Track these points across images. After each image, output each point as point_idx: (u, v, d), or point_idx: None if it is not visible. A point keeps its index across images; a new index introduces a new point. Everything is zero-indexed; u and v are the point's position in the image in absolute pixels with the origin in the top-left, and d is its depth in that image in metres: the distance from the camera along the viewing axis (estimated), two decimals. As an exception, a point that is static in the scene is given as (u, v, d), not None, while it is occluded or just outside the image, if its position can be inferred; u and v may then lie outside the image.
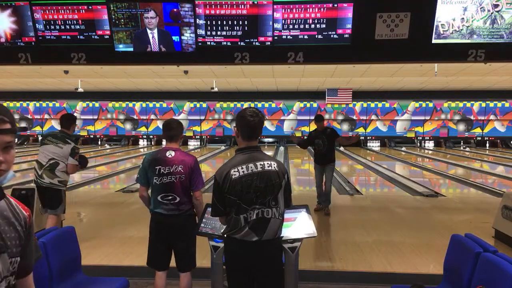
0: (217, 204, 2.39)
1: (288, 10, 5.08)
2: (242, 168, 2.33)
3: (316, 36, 5.12)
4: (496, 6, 4.92)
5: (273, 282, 2.43)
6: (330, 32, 5.09)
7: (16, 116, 23.09)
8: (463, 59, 5.24)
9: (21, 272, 1.29)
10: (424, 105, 21.44)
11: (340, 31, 5.09)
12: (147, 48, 5.36)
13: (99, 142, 22.96)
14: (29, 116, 23.05)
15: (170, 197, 3.10)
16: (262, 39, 5.21)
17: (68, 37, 5.42)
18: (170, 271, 3.32)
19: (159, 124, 22.57)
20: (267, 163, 2.36)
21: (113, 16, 5.22)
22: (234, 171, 2.32)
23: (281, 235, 2.48)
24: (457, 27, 5.02)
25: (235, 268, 2.42)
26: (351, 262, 4.33)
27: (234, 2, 5.09)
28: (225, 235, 2.42)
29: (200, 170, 3.27)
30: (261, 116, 2.42)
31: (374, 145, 22.06)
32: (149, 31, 5.26)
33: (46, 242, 2.81)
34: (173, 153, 3.14)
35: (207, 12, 5.15)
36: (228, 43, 5.27)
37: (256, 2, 5.07)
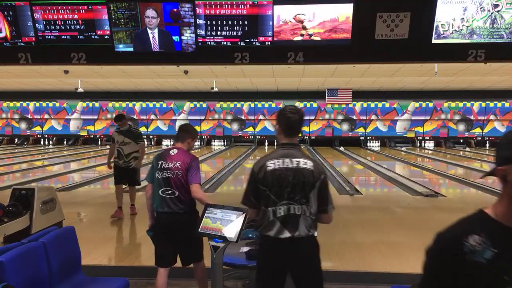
0: (249, 194, 2.46)
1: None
2: (278, 162, 2.39)
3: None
4: (496, 6, 4.92)
5: (312, 282, 2.41)
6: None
7: (16, 116, 23.10)
8: (463, 59, 5.23)
9: None
10: (424, 105, 21.42)
11: (343, 34, 5.09)
12: (147, 48, 5.36)
13: (99, 142, 22.95)
14: (29, 116, 23.02)
15: (169, 191, 3.22)
16: (262, 39, 5.21)
17: (68, 37, 5.42)
18: (170, 271, 3.32)
19: (159, 124, 22.58)
20: (303, 161, 2.40)
21: (113, 16, 5.22)
22: (270, 163, 2.39)
23: (313, 233, 2.43)
24: (457, 27, 5.02)
25: (267, 268, 2.42)
26: (351, 262, 4.33)
27: (234, 2, 5.08)
28: (259, 233, 2.45)
29: (198, 167, 3.34)
30: (301, 113, 2.50)
31: (374, 145, 22.05)
32: (149, 31, 5.26)
33: (46, 242, 2.81)
34: (175, 151, 3.32)
35: (207, 12, 5.15)
36: (228, 43, 5.27)
37: (256, 2, 5.07)
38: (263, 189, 2.37)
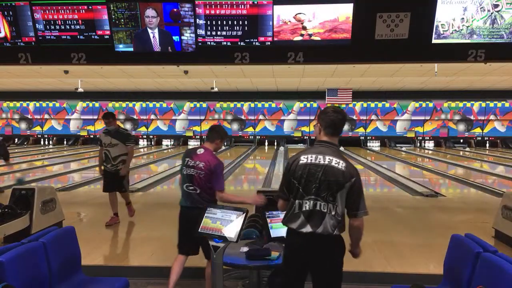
0: (283, 185, 2.55)
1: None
2: (311, 157, 2.45)
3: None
4: (496, 6, 4.92)
5: (326, 281, 2.46)
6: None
7: (16, 116, 23.10)
8: (463, 59, 5.23)
9: None
10: (424, 105, 21.42)
11: (343, 34, 5.09)
12: (147, 48, 5.35)
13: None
14: (29, 116, 23.02)
15: (192, 188, 3.37)
16: (262, 39, 5.21)
17: (68, 37, 5.42)
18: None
19: (159, 124, 22.58)
20: (336, 160, 2.42)
21: (113, 16, 5.21)
22: (304, 157, 2.47)
23: (338, 233, 2.46)
24: (457, 27, 5.02)
25: (290, 260, 2.49)
26: (351, 262, 4.31)
27: (234, 2, 5.08)
28: (284, 224, 2.52)
29: (222, 173, 3.42)
30: (344, 114, 2.57)
31: (374, 145, 22.05)
32: (149, 31, 5.26)
33: (46, 242, 2.81)
34: (202, 151, 3.46)
35: (207, 12, 5.14)
36: (228, 43, 5.26)
37: (256, 2, 5.07)
38: (294, 181, 2.45)
